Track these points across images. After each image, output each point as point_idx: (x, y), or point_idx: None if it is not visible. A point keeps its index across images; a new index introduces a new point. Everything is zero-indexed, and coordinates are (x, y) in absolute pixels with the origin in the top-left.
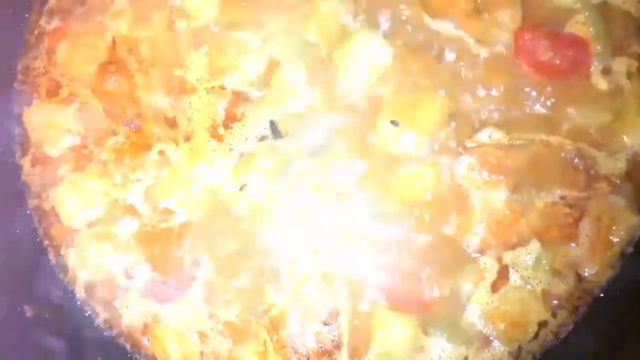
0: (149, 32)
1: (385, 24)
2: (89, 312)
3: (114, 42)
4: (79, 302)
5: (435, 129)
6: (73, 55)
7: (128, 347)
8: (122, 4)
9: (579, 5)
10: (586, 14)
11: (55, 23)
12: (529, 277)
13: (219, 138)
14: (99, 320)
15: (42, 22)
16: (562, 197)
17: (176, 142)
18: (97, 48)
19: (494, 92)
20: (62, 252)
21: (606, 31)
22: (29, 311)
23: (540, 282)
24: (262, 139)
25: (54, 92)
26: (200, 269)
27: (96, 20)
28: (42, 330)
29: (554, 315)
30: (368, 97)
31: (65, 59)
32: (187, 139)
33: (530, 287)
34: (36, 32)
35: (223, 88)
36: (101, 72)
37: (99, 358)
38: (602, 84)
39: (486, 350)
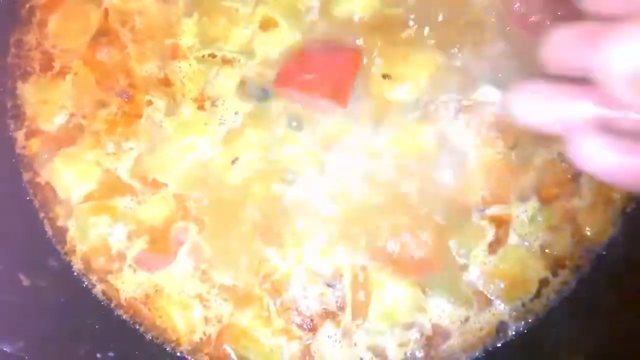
0: (141, 3)
1: None
2: (86, 283)
3: (106, 13)
4: (75, 273)
5: (430, 84)
6: (65, 27)
7: (128, 317)
8: None
9: None
10: None
11: None
12: (526, 235)
13: (210, 108)
14: (97, 291)
15: None
16: (560, 154)
17: (174, 99)
18: (89, 19)
19: (487, 50)
20: (60, 223)
21: None
22: (24, 280)
23: (538, 238)
24: (253, 104)
25: (47, 66)
26: (191, 236)
27: None
28: (39, 300)
29: (555, 273)
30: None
31: (57, 31)
32: (184, 95)
33: (528, 244)
34: (27, 5)
35: (214, 56)
36: (93, 43)
37: (96, 326)
38: None
39: (488, 310)
